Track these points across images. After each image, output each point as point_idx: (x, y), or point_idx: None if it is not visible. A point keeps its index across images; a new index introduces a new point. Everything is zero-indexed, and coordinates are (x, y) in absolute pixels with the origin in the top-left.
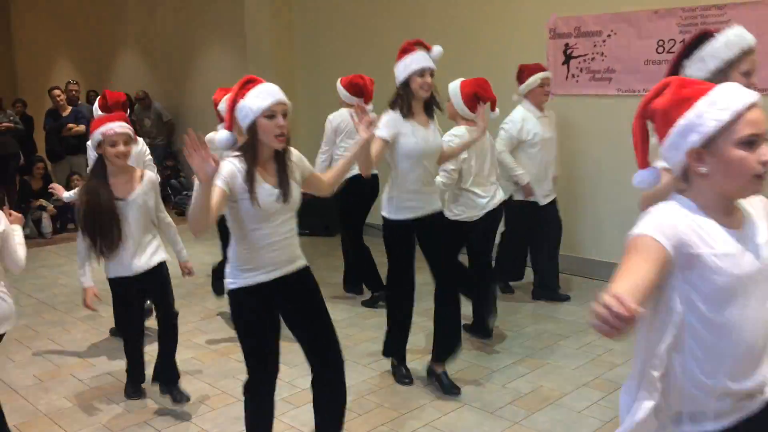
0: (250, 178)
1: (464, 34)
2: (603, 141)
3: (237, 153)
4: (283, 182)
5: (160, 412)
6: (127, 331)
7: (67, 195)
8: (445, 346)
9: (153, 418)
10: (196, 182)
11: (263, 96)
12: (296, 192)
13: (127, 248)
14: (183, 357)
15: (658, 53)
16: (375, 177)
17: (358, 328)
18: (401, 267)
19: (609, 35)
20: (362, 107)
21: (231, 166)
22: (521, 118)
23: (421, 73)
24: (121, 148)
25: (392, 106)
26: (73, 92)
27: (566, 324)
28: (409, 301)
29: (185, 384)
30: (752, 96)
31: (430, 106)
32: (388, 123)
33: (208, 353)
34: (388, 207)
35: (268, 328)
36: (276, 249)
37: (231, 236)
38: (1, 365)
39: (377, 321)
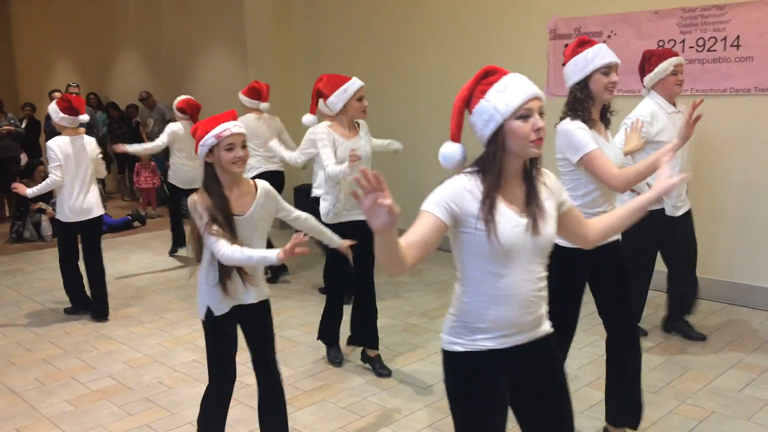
0: (489, 202)
1: (465, 34)
2: None
3: (471, 168)
4: (533, 208)
5: (161, 415)
6: (217, 377)
7: (30, 191)
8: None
9: (155, 421)
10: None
11: (512, 90)
12: (551, 225)
13: (236, 281)
14: (184, 360)
15: None
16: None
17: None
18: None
19: (609, 36)
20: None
21: (457, 184)
22: (650, 113)
23: (607, 70)
24: (240, 152)
25: (571, 113)
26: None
27: None
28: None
29: (186, 387)
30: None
31: (605, 112)
32: (585, 134)
33: None
34: None
35: (496, 410)
36: (517, 303)
37: (461, 276)
38: (2, 368)
39: (381, 323)
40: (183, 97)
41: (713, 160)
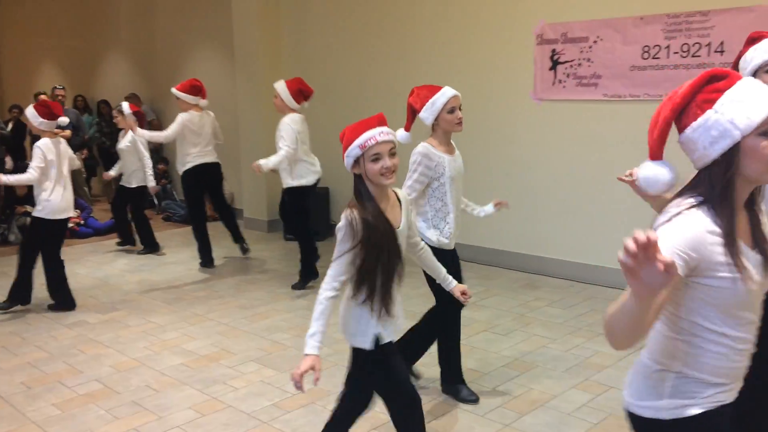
0: (734, 243)
1: (453, 39)
2: (590, 145)
3: (693, 199)
4: (760, 242)
5: (148, 419)
6: (405, 404)
7: (5, 178)
8: None
9: (142, 425)
10: None
11: (754, 101)
12: None
13: (396, 303)
14: (171, 363)
15: (644, 59)
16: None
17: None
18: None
19: (595, 41)
20: None
21: (697, 226)
22: None
23: None
24: (387, 162)
25: None
26: (60, 97)
27: (555, 327)
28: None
29: (173, 391)
30: None
31: None
32: None
33: (198, 359)
34: None
35: None
36: (748, 351)
37: (687, 328)
38: None
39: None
40: (130, 102)
41: None
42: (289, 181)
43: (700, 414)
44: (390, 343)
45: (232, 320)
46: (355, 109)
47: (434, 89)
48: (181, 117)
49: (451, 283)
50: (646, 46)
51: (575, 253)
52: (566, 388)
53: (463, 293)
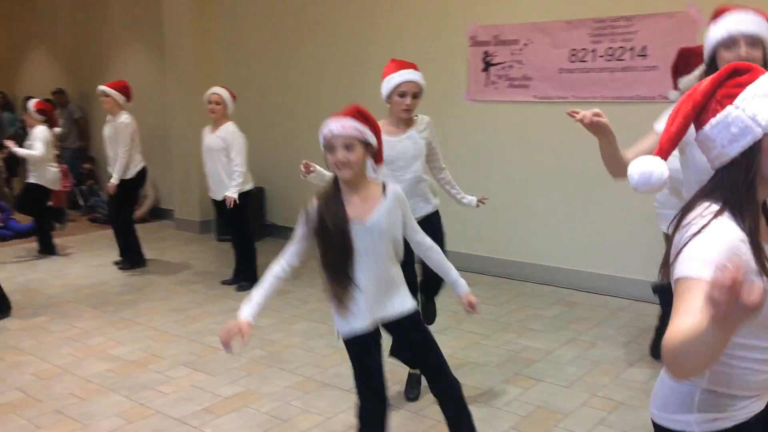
0: (756, 247)
1: (387, 40)
2: (521, 145)
3: (712, 202)
4: None
5: (73, 428)
6: (369, 402)
7: None
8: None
9: None
10: None
11: None
12: None
13: (364, 292)
14: (97, 369)
15: (572, 62)
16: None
17: (283, 333)
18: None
19: (526, 44)
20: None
21: (730, 235)
22: None
23: (730, 42)
24: (339, 155)
25: None
26: None
27: (487, 323)
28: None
29: (99, 398)
30: None
31: None
32: None
33: (125, 365)
34: None
35: None
36: None
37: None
38: None
39: (304, 326)
40: (37, 99)
41: None
42: (248, 187)
43: (732, 427)
44: (361, 337)
45: (161, 324)
46: (288, 110)
47: (400, 66)
48: (132, 119)
49: (462, 288)
50: (574, 49)
51: (506, 250)
52: (497, 382)
53: (471, 305)
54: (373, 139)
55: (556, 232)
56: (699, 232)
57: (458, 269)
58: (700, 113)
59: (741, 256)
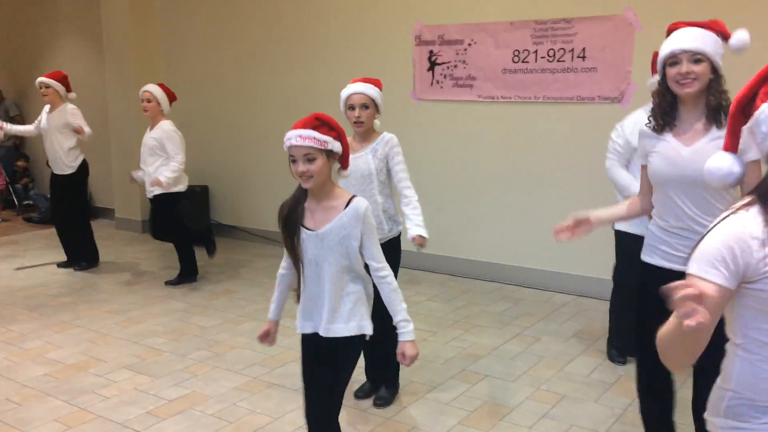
0: None
1: (333, 39)
2: (466, 144)
3: (748, 200)
4: None
5: None
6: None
7: None
8: None
9: None
10: None
11: None
12: None
13: (309, 299)
14: (34, 374)
15: (514, 62)
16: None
17: (229, 334)
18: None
19: (470, 44)
20: None
21: (738, 232)
22: (633, 122)
23: (673, 60)
24: (300, 166)
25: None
26: None
27: (434, 320)
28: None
29: (37, 404)
30: None
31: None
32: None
33: (64, 369)
34: None
35: None
36: None
37: (743, 342)
38: None
39: (251, 326)
40: None
41: (564, 160)
42: (181, 187)
43: None
44: (308, 336)
45: (102, 326)
46: (232, 108)
47: (353, 81)
48: (77, 111)
49: (403, 334)
50: (516, 50)
51: (453, 248)
52: (445, 379)
53: (403, 355)
54: (336, 146)
55: (502, 230)
56: (716, 225)
57: (406, 267)
58: (746, 107)
59: (749, 251)
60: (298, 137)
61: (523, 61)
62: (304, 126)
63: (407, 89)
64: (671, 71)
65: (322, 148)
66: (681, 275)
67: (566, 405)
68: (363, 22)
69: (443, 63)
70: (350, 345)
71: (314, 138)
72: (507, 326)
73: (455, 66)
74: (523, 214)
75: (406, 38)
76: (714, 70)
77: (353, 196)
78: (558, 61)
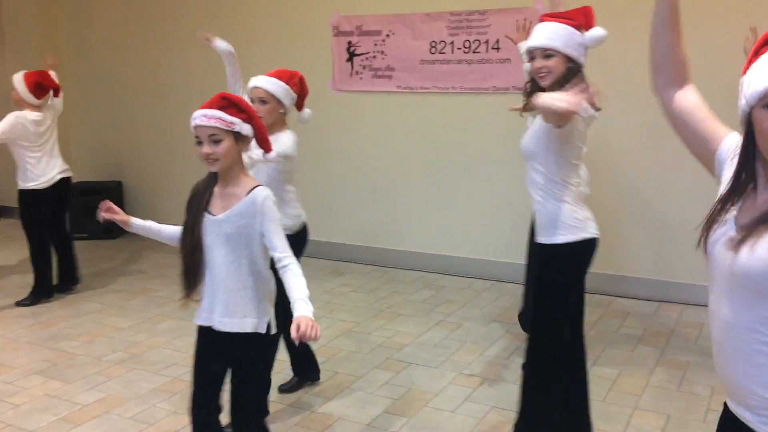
0: (706, 225)
1: (249, 28)
2: (387, 134)
3: None
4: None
5: None
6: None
7: None
8: None
9: None
10: None
11: (764, 70)
12: None
13: (208, 287)
14: None
15: (431, 54)
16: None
17: (147, 334)
18: None
19: (388, 35)
20: None
21: None
22: None
23: (531, 55)
24: (205, 148)
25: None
26: None
27: (359, 311)
28: None
29: None
30: None
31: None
32: None
33: None
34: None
35: None
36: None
37: None
38: None
39: (168, 325)
40: None
41: (482, 149)
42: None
43: None
44: (202, 327)
45: (10, 331)
46: (145, 101)
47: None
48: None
49: (298, 309)
50: (434, 41)
51: (376, 239)
52: (369, 369)
53: (297, 329)
54: (245, 128)
55: (423, 219)
56: None
57: (331, 259)
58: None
59: None
60: (203, 117)
61: (440, 52)
62: (210, 105)
63: (326, 80)
64: (531, 65)
65: (229, 129)
66: None
67: (487, 387)
68: (279, 12)
69: (362, 54)
70: (251, 342)
71: (220, 118)
72: (430, 314)
73: (374, 57)
74: (445, 204)
75: (324, 29)
76: (571, 60)
77: (258, 185)
78: (474, 52)
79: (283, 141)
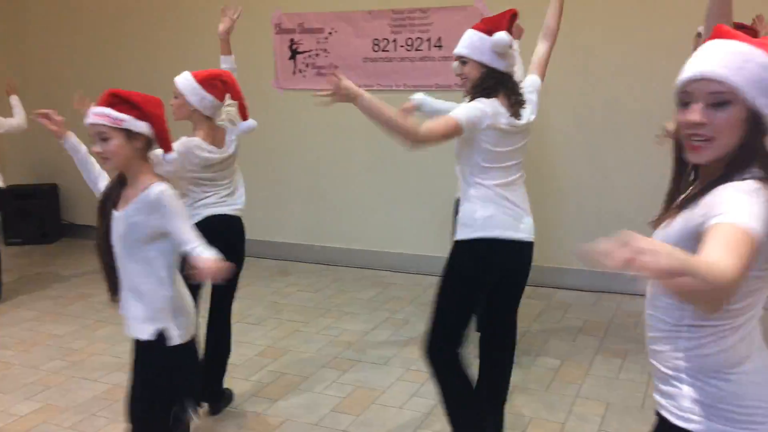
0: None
1: (189, 25)
2: (329, 133)
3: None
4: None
5: None
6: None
7: None
8: None
9: None
10: None
11: (688, 64)
12: None
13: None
14: None
15: (374, 51)
16: None
17: (86, 341)
18: None
19: (330, 33)
20: None
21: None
22: None
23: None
24: (97, 146)
25: None
26: None
27: (306, 311)
28: None
29: None
30: None
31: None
32: None
33: None
34: None
35: None
36: None
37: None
38: None
39: (108, 331)
40: None
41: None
42: None
43: None
44: (135, 340)
45: None
46: (78, 91)
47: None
48: None
49: (199, 253)
50: (376, 39)
51: (323, 237)
52: (317, 368)
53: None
54: (138, 126)
55: (369, 217)
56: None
57: (277, 259)
58: None
59: None
60: (92, 114)
61: (383, 50)
62: (99, 103)
63: (269, 78)
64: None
65: (117, 126)
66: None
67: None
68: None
69: (305, 51)
70: (156, 350)
71: (107, 116)
72: (377, 311)
73: (317, 54)
74: (391, 201)
75: (265, 26)
76: (484, 65)
77: (155, 183)
78: (416, 50)
79: (181, 141)
